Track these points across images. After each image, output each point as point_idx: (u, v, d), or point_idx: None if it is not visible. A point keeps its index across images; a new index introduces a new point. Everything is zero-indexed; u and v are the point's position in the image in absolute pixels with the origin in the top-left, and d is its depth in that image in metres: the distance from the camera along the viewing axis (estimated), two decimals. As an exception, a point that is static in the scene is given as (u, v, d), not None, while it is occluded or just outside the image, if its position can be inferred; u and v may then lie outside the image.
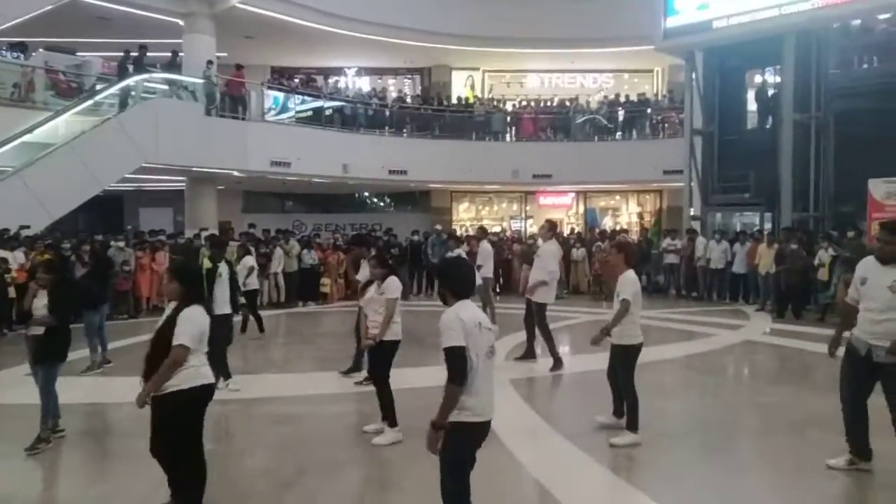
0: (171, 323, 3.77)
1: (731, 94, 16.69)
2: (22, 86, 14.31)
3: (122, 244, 12.60)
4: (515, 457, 4.96)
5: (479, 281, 9.73)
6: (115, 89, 15.01)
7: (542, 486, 4.46)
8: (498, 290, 14.95)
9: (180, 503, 3.83)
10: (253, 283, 10.05)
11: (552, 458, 5.11)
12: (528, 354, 8.21)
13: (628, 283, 5.30)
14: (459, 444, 3.10)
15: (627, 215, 23.10)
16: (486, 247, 10.50)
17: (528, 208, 23.03)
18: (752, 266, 13.38)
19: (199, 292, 4.03)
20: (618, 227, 20.64)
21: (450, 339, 3.04)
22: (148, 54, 15.67)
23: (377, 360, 5.41)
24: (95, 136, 13.59)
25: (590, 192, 22.75)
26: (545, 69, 24.05)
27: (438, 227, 17.05)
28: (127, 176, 15.10)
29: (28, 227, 11.69)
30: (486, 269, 10.27)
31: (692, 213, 16.55)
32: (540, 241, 8.92)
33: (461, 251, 10.49)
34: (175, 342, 3.69)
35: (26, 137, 12.98)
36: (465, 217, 23.01)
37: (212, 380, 3.90)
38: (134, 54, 15.57)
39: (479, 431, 3.16)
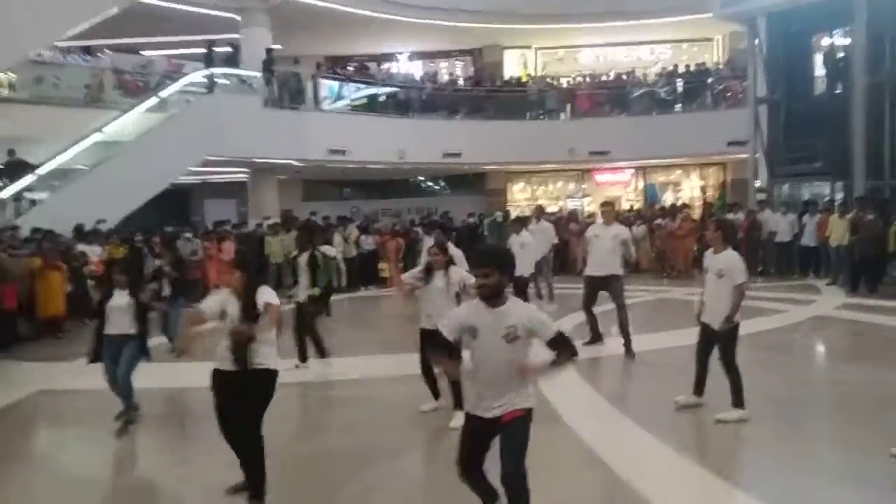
0: (248, 305, 3.91)
1: (797, 59, 15.94)
2: (93, 87, 14.99)
3: (189, 235, 13.10)
4: (580, 438, 4.97)
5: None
6: (178, 86, 15.54)
7: (601, 460, 4.46)
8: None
9: (254, 483, 3.99)
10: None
11: (616, 438, 5.09)
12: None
13: (738, 263, 5.18)
14: (529, 428, 3.24)
15: (689, 190, 22.42)
16: (545, 225, 10.47)
17: (584, 186, 22.68)
18: (822, 238, 12.83)
19: (263, 279, 4.16)
20: (679, 203, 20.06)
21: (553, 326, 3.22)
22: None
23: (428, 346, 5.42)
24: (162, 132, 14.14)
25: (649, 168, 22.20)
26: (599, 43, 23.49)
27: (499, 213, 17.05)
28: (192, 169, 15.66)
29: (104, 220, 12.28)
30: (545, 247, 10.27)
31: (758, 186, 15.95)
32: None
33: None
34: (270, 301, 3.89)
35: (98, 136, 13.62)
36: (520, 198, 22.83)
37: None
38: (202, 50, 16.01)
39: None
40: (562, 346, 3.19)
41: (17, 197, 12.82)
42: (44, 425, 6.11)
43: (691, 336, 5.66)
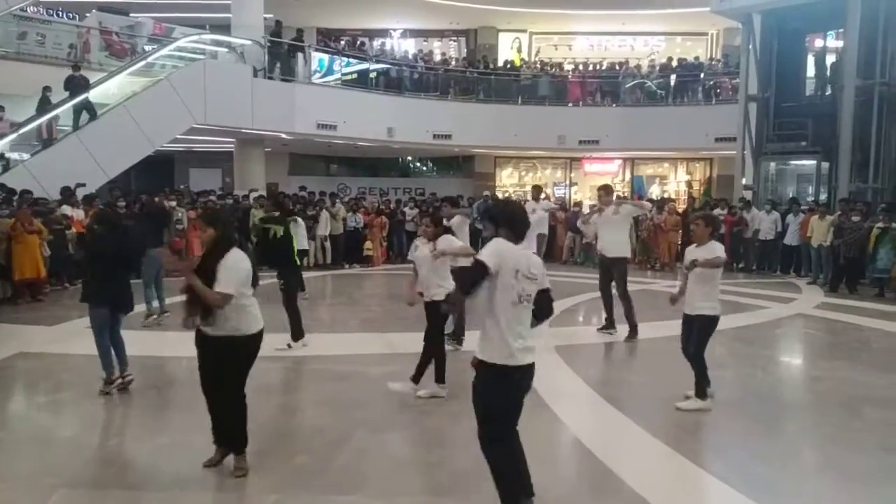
0: (207, 268, 3.81)
1: (789, 58, 16.01)
2: (78, 47, 14.62)
3: (174, 203, 12.91)
4: (565, 425, 5.01)
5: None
6: (166, 51, 15.22)
7: (587, 449, 4.51)
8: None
9: (236, 442, 4.01)
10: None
11: (599, 424, 5.14)
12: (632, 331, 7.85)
13: (719, 248, 5.46)
14: (493, 387, 3.22)
15: (675, 183, 22.59)
16: (543, 214, 10.48)
17: (572, 175, 22.71)
18: (804, 238, 13.02)
19: (232, 237, 4.01)
20: (665, 196, 20.19)
21: (486, 257, 3.12)
22: (198, 15, 15.81)
23: (435, 317, 5.49)
24: (148, 97, 13.86)
25: (637, 159, 22.29)
26: (594, 31, 23.43)
27: (487, 193, 17.02)
28: (177, 137, 15.41)
29: (84, 184, 12.04)
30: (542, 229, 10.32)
31: (744, 183, 16.09)
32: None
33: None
34: (220, 289, 3.74)
35: (72, 103, 13.27)
36: (507, 182, 22.83)
37: (262, 323, 4.03)
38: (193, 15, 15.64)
39: (519, 376, 3.24)
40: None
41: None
42: (21, 389, 6.01)
43: (675, 327, 5.71)
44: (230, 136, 17.36)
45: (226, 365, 3.92)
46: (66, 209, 11.13)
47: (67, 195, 11.46)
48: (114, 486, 3.91)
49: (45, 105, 12.86)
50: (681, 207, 17.44)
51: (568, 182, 22.63)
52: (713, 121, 17.88)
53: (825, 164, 14.79)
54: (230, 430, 4.03)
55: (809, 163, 15.45)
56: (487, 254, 3.15)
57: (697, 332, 5.33)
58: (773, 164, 16.26)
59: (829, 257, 12.27)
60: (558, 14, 21.52)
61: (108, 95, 13.85)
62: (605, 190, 8.09)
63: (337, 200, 15.33)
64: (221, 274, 3.78)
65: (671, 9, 20.17)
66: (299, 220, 10.21)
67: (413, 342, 5.93)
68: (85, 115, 13.05)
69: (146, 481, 4.03)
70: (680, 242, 15.67)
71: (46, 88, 12.89)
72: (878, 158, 13.94)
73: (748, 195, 15.60)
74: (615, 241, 7.78)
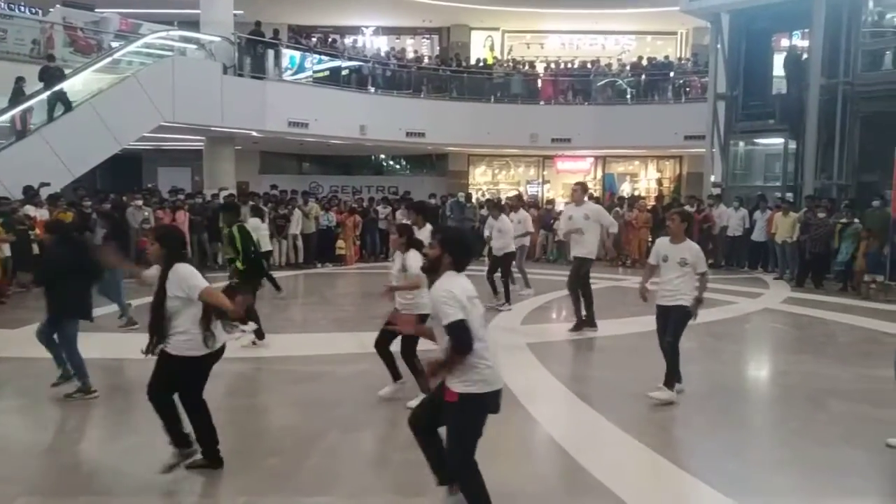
0: (164, 288, 3.80)
1: (756, 58, 16.29)
2: (41, 42, 14.27)
3: (140, 202, 12.68)
4: (537, 421, 5.03)
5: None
6: (133, 47, 14.93)
7: (560, 447, 4.53)
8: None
9: (203, 445, 3.97)
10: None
11: (572, 421, 5.17)
12: (587, 323, 7.95)
13: (701, 254, 5.46)
14: (471, 416, 3.15)
15: (646, 181, 22.84)
16: (525, 214, 10.52)
17: (545, 173, 22.83)
18: (771, 235, 13.26)
19: (181, 255, 3.99)
20: (636, 193, 20.40)
21: (451, 315, 3.01)
22: (166, 11, 15.53)
23: (408, 338, 5.19)
24: (114, 95, 13.56)
25: (609, 157, 22.48)
26: (566, 30, 23.57)
27: (461, 194, 17.03)
28: (146, 135, 15.13)
29: (48, 184, 11.76)
30: (525, 238, 10.34)
31: (713, 180, 16.32)
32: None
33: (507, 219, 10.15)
34: (199, 288, 3.75)
35: (46, 94, 12.97)
36: (481, 181, 22.87)
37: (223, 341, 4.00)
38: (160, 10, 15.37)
39: (490, 401, 3.18)
40: (451, 337, 3.03)
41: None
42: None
43: (646, 323, 5.77)
44: (200, 135, 17.09)
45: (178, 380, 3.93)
46: (30, 209, 10.85)
47: (31, 195, 11.17)
48: (79, 493, 3.83)
49: (18, 97, 12.56)
50: (651, 204, 17.65)
51: (541, 180, 22.74)
52: (683, 119, 18.10)
53: (793, 144, 14.96)
54: (197, 437, 3.99)
55: (777, 141, 15.61)
56: (446, 305, 3.04)
57: (674, 322, 5.37)
58: (741, 145, 16.36)
59: (794, 253, 12.52)
60: (530, 13, 21.61)
61: (74, 92, 13.50)
62: (582, 187, 8.15)
63: (310, 199, 15.20)
64: (186, 281, 3.77)
65: (642, 8, 20.37)
66: (258, 220, 10.09)
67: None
68: (60, 107, 12.81)
69: (112, 486, 3.94)
70: (650, 239, 15.86)
71: (20, 79, 12.59)
72: (841, 156, 14.24)
73: (717, 192, 15.82)
74: (583, 241, 7.81)
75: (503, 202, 12.47)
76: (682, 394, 5.43)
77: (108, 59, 14.34)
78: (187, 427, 3.97)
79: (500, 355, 6.41)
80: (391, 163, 24.33)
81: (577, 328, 7.90)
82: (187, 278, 3.79)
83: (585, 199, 8.21)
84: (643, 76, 19.82)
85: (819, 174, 14.22)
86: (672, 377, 5.39)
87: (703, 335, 8.02)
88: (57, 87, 12.77)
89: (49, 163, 12.25)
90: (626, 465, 4.33)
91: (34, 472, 4.07)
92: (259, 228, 9.76)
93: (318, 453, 4.39)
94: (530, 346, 7.11)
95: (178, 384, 3.93)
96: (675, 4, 16.43)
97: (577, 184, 8.31)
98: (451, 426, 3.19)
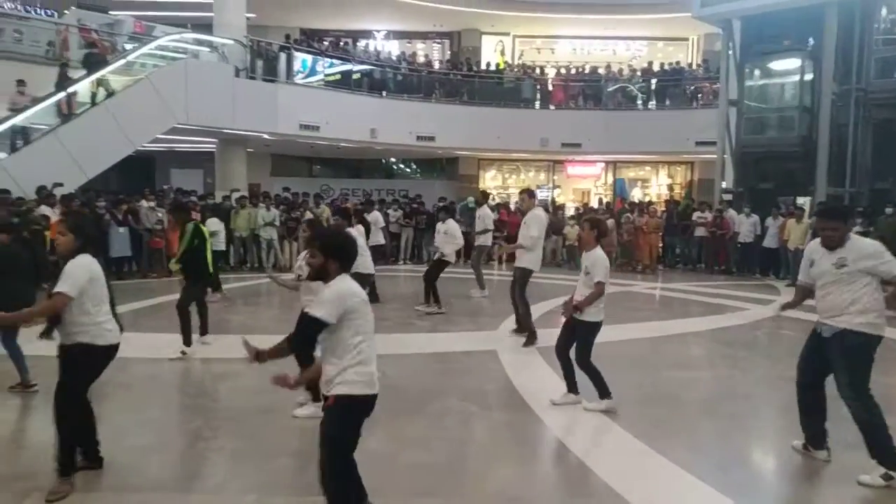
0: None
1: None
2: (56, 44, 14.43)
3: (152, 204, 12.80)
4: (545, 423, 5.03)
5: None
6: (147, 49, 15.07)
7: (568, 449, 4.53)
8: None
9: (58, 453, 3.80)
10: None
11: (578, 425, 5.16)
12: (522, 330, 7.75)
13: (603, 263, 5.19)
14: (348, 419, 3.08)
15: (657, 186, 22.80)
16: (486, 212, 10.43)
17: (555, 178, 22.83)
18: (783, 241, 13.20)
19: (85, 245, 3.86)
20: (647, 199, 20.37)
21: (322, 309, 2.97)
22: (179, 14, 15.69)
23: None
24: (128, 96, 13.71)
25: (619, 163, 22.45)
26: (577, 35, 23.59)
27: (471, 198, 17.06)
28: (159, 136, 15.26)
29: (62, 184, 11.89)
30: (486, 236, 10.29)
31: (724, 187, 16.26)
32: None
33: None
34: (56, 289, 3.64)
35: (61, 95, 13.12)
36: (491, 185, 22.89)
37: (118, 339, 3.93)
38: (173, 13, 15.55)
39: (367, 406, 3.13)
40: (297, 326, 3.15)
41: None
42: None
43: (654, 329, 5.75)
44: (212, 137, 17.24)
45: (62, 374, 3.84)
46: (46, 210, 10.95)
47: (45, 195, 11.28)
48: (92, 489, 3.86)
49: (63, 81, 13.03)
50: (662, 210, 17.62)
51: (551, 184, 22.73)
52: (694, 125, 18.07)
53: (809, 64, 14.68)
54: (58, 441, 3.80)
55: (794, 63, 15.15)
56: (329, 303, 3.01)
57: (584, 337, 5.22)
58: (757, 73, 16.02)
59: (806, 260, 12.43)
60: (541, 18, 21.65)
61: (89, 94, 13.68)
62: (528, 193, 7.98)
63: (321, 202, 15.27)
64: (62, 275, 3.69)
65: (653, 14, 20.35)
66: (213, 220, 10.09)
67: (396, 343, 5.89)
68: (102, 92, 13.37)
69: (125, 482, 3.97)
70: (661, 245, 15.84)
71: (64, 64, 13.28)
72: (854, 163, 14.17)
73: (728, 198, 15.76)
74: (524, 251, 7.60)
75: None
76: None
77: (122, 62, 14.49)
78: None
79: (508, 358, 6.43)
80: (401, 166, 24.39)
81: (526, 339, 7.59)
82: (65, 272, 3.69)
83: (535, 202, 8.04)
84: (654, 81, 19.80)
85: (831, 182, 14.14)
86: (603, 385, 5.22)
87: (712, 341, 8.00)
88: (101, 72, 13.49)
89: (63, 164, 12.38)
90: (635, 470, 4.31)
91: (47, 468, 4.10)
92: (217, 229, 9.92)
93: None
94: (539, 350, 7.11)
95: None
96: (687, 10, 16.41)
97: (524, 191, 8.10)
98: (326, 429, 3.08)
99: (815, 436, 4.47)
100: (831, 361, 4.30)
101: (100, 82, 13.49)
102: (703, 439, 4.96)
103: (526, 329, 7.56)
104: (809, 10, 14.10)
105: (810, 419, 4.50)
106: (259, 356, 3.08)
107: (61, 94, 12.97)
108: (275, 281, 5.80)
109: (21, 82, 12.69)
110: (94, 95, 13.41)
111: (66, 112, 13.06)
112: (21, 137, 12.63)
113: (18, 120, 12.57)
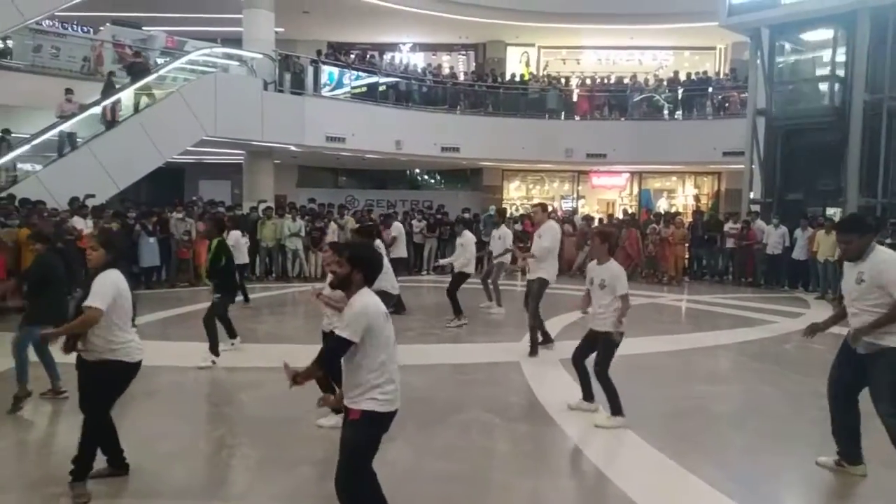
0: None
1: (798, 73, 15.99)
2: (91, 59, 14.83)
3: (181, 215, 13.02)
4: (569, 436, 4.99)
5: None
6: (178, 63, 15.41)
7: (591, 462, 4.49)
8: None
9: (77, 461, 3.86)
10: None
11: (602, 438, 5.12)
12: (545, 339, 7.77)
13: (622, 276, 5.17)
14: (371, 433, 3.13)
15: (684, 197, 22.56)
16: (505, 231, 10.41)
17: (580, 188, 22.73)
18: (812, 253, 12.96)
19: (116, 259, 3.95)
20: (673, 210, 20.16)
21: (347, 329, 3.03)
22: (210, 29, 16.03)
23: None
24: (159, 110, 14.02)
25: (645, 173, 22.28)
26: (602, 45, 23.53)
27: (492, 207, 17.06)
28: (188, 148, 15.56)
29: (93, 195, 12.17)
30: (506, 256, 10.30)
31: (752, 197, 16.03)
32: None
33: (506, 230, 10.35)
34: (87, 303, 3.71)
35: (95, 109, 13.47)
36: (515, 196, 22.87)
37: (142, 356, 3.99)
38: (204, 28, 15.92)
39: (389, 421, 3.18)
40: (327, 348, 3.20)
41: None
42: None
43: (680, 341, 5.69)
44: (240, 149, 17.51)
45: (87, 388, 3.92)
46: (78, 221, 11.20)
47: (77, 206, 11.56)
48: (120, 494, 3.93)
49: (109, 90, 13.63)
50: (688, 221, 17.43)
51: (575, 195, 22.64)
52: (721, 135, 17.87)
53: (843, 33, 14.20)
54: (79, 450, 3.87)
55: (826, 34, 14.69)
56: (356, 321, 3.05)
57: (605, 349, 5.19)
58: (787, 46, 15.64)
59: (836, 272, 12.19)
60: (566, 28, 21.64)
61: (123, 107, 14.03)
62: (542, 207, 7.95)
63: (346, 212, 15.40)
64: (92, 289, 3.76)
65: (679, 23, 20.24)
66: (235, 233, 10.19)
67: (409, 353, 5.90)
68: (145, 100, 13.96)
69: (152, 488, 4.04)
70: (688, 256, 15.64)
71: (111, 73, 14.01)
72: (886, 173, 13.88)
73: (756, 209, 15.53)
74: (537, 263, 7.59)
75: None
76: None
77: (155, 76, 14.84)
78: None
79: (531, 369, 6.41)
80: (426, 177, 24.50)
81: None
82: (95, 286, 3.77)
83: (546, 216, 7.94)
84: (680, 91, 19.65)
85: (863, 192, 13.87)
86: (617, 403, 5.15)
87: (739, 354, 7.87)
88: (144, 80, 14.13)
89: (96, 175, 12.69)
90: (660, 485, 4.26)
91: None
92: (239, 242, 10.11)
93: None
94: (562, 362, 7.06)
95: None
96: (714, 19, 16.27)
97: (536, 205, 8.08)
98: (348, 442, 3.14)
99: (849, 451, 4.37)
100: (871, 378, 4.19)
101: (143, 90, 14.05)
102: (731, 455, 4.88)
103: (534, 342, 7.52)
104: (840, 17, 13.89)
105: (844, 434, 4.40)
106: (296, 378, 3.17)
107: (109, 100, 13.56)
108: (321, 299, 5.27)
109: (69, 90, 13.18)
110: (137, 104, 13.92)
111: (111, 118, 13.54)
112: (69, 143, 13.05)
113: (66, 126, 13.03)
